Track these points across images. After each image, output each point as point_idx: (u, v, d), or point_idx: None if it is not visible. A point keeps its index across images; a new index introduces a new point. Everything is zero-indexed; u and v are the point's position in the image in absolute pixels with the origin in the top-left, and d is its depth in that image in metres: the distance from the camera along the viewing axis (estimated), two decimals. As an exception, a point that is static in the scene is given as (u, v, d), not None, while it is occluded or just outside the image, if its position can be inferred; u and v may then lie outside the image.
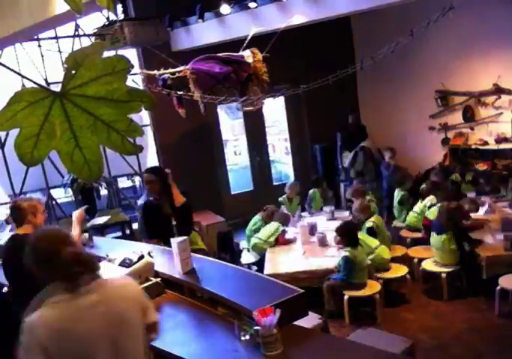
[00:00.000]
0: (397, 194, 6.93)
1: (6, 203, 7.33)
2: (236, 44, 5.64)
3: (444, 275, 5.27)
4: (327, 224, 6.58)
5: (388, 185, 7.53)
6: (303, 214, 7.32)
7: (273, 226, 6.17)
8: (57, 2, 3.70)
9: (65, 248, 1.95)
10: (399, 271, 5.42)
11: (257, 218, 6.53)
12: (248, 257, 6.30)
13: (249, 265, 6.14)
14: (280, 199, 7.34)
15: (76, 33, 7.48)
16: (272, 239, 6.06)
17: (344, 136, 8.44)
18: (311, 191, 7.66)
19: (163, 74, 5.33)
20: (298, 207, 7.46)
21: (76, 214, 4.04)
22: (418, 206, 6.45)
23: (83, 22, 7.27)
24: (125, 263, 3.24)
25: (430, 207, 6.20)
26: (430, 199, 6.33)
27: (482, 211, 6.23)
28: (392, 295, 5.45)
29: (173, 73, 5.30)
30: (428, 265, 5.47)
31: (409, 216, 6.55)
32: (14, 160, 1.27)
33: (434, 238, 5.39)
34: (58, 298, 1.95)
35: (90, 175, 1.26)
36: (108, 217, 7.19)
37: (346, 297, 5.02)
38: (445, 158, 8.05)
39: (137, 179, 9.52)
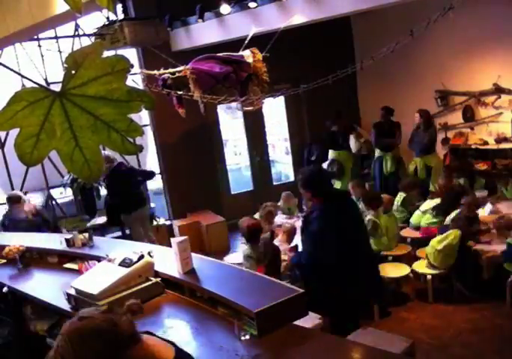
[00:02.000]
0: (400, 197, 6.88)
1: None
2: (236, 44, 5.64)
3: (429, 277, 5.31)
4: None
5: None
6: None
7: None
8: (57, 2, 3.70)
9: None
10: (400, 270, 5.44)
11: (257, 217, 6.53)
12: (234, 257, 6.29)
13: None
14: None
15: (76, 33, 7.48)
16: None
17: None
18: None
19: (163, 74, 5.33)
20: (296, 209, 7.49)
21: None
22: (426, 205, 6.49)
23: (83, 22, 7.27)
24: (125, 263, 3.24)
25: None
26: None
27: (486, 211, 6.23)
28: (392, 294, 5.45)
29: (173, 73, 5.31)
30: (418, 267, 5.49)
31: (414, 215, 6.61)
32: (14, 160, 1.27)
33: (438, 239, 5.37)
34: None
35: (90, 175, 1.26)
36: (108, 217, 7.19)
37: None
38: (445, 158, 8.05)
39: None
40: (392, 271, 5.43)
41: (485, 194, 6.85)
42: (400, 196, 6.89)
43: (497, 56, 7.38)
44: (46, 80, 7.35)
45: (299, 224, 6.61)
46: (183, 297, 3.23)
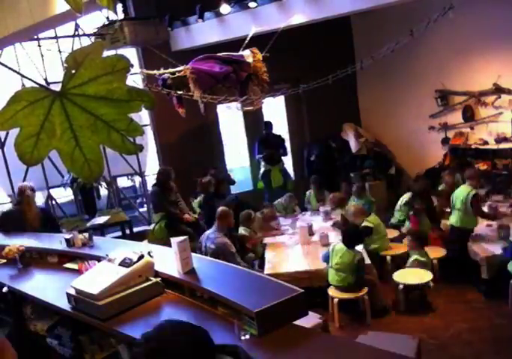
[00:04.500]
0: (406, 196, 6.80)
1: (6, 203, 7.33)
2: (236, 44, 5.64)
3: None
4: (323, 225, 6.62)
5: None
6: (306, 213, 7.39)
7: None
8: (57, 2, 3.70)
9: None
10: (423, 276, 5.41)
11: None
12: None
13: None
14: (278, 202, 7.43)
15: (76, 33, 7.48)
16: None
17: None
18: (308, 192, 7.71)
19: (163, 74, 5.33)
20: (296, 208, 7.51)
21: None
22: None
23: (83, 22, 7.27)
24: (125, 263, 3.23)
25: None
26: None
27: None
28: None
29: (173, 73, 5.30)
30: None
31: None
32: (14, 160, 1.27)
33: None
34: None
35: (90, 174, 1.26)
36: (108, 217, 7.19)
37: (336, 300, 5.02)
38: (445, 158, 8.04)
39: (137, 179, 9.52)
40: (414, 277, 5.31)
41: (483, 192, 6.83)
42: (407, 196, 6.79)
43: (497, 56, 7.37)
44: (46, 80, 7.35)
45: (300, 223, 6.65)
46: (183, 297, 3.23)
